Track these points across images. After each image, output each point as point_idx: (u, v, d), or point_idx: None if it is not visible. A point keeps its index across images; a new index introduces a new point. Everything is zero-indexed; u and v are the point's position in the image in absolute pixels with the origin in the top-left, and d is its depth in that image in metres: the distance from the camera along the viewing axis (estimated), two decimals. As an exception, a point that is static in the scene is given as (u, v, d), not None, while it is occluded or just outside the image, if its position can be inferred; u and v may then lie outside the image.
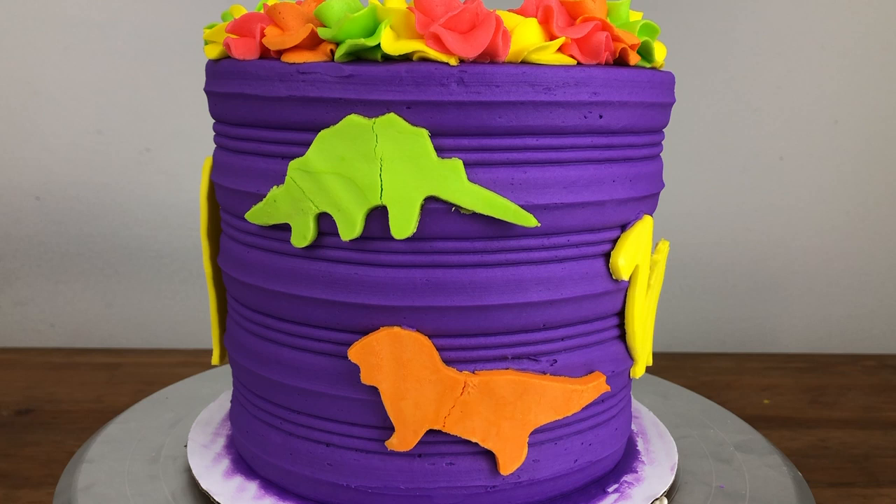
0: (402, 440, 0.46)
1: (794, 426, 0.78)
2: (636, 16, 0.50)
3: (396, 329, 0.45)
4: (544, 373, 0.47)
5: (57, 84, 0.93)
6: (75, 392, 0.82)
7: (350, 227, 0.44)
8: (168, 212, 0.96)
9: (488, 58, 0.42)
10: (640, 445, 0.57)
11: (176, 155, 0.95)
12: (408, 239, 0.43)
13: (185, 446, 0.56)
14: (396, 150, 0.42)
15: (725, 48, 0.96)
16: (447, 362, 0.45)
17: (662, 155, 0.53)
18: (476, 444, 0.46)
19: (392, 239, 0.43)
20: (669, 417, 0.64)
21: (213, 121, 0.51)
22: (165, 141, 0.95)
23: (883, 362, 0.96)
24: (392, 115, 0.42)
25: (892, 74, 0.97)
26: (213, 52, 0.50)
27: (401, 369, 0.45)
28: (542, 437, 0.48)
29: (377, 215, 0.43)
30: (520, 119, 0.42)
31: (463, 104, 0.42)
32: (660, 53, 0.49)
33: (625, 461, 0.55)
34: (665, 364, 0.90)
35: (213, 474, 0.52)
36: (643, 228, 0.49)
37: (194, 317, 0.98)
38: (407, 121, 0.42)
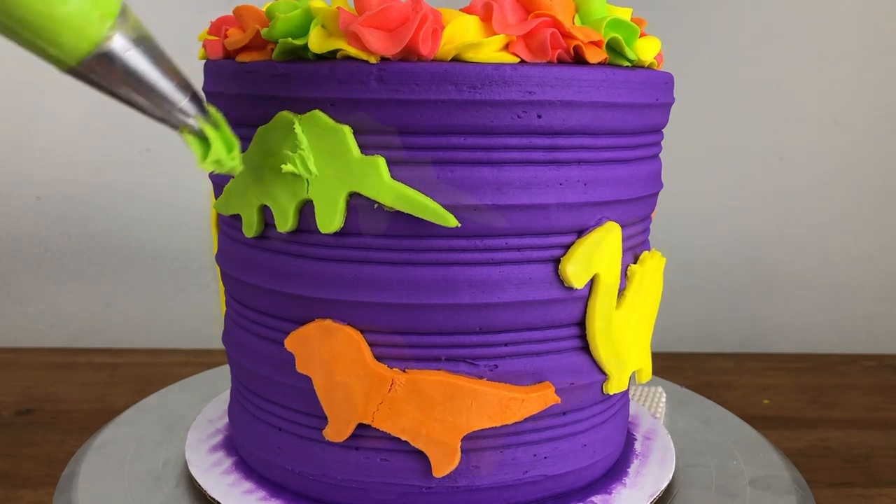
0: (335, 431, 0.47)
1: (794, 426, 0.78)
2: (623, 12, 0.48)
3: (328, 322, 0.45)
4: (481, 377, 0.46)
5: (57, 84, 0.93)
6: (75, 392, 0.82)
7: (284, 220, 0.45)
8: (168, 212, 0.96)
9: (415, 55, 0.41)
10: (634, 468, 0.54)
11: (176, 155, 0.95)
12: (336, 234, 0.44)
13: (185, 445, 0.56)
14: (321, 146, 0.43)
15: (725, 48, 0.96)
16: (380, 358, 0.45)
17: (663, 156, 0.52)
18: (408, 443, 0.46)
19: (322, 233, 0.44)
20: (696, 444, 0.60)
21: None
22: (165, 141, 0.95)
23: (883, 362, 0.96)
24: (316, 112, 0.42)
25: (892, 74, 0.96)
26: (202, 52, 0.51)
27: (331, 361, 0.45)
28: (483, 444, 0.47)
29: (310, 209, 0.44)
30: (443, 118, 0.42)
31: (382, 102, 0.42)
32: (645, 51, 0.48)
33: (603, 481, 0.52)
34: (665, 364, 0.90)
35: (212, 473, 0.52)
36: (605, 235, 0.47)
37: (194, 317, 0.98)
38: (331, 117, 0.42)
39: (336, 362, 0.45)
